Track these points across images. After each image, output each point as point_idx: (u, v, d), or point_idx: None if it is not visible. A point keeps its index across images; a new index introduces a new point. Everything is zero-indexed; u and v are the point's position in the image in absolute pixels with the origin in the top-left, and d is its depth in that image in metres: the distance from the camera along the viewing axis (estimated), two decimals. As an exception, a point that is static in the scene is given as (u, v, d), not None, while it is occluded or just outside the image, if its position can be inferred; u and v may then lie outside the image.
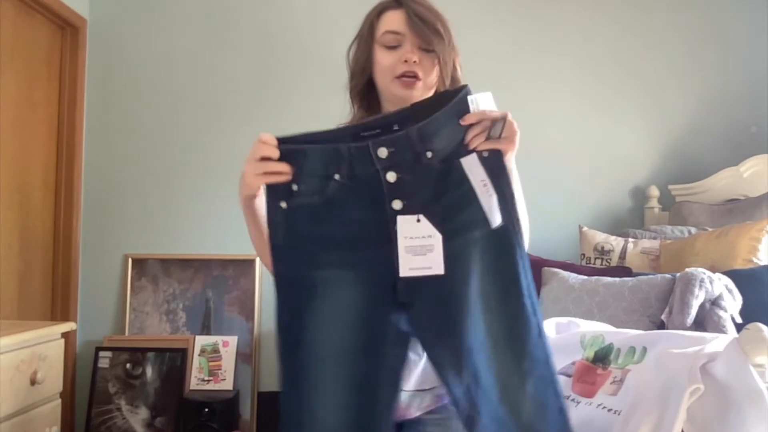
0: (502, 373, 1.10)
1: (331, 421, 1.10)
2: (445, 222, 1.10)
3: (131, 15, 3.21)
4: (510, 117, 1.11)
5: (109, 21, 3.19)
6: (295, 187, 1.10)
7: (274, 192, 1.11)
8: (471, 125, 1.10)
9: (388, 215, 1.10)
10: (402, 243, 1.10)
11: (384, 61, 1.28)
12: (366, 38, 1.31)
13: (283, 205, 1.11)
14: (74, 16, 3.04)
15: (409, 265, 1.10)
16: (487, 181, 1.11)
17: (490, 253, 1.11)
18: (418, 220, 1.11)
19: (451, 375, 1.10)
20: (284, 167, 1.09)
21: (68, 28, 3.06)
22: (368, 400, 1.11)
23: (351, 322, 1.11)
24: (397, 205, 1.10)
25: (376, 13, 1.31)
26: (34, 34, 2.86)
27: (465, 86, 1.13)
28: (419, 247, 1.10)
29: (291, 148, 1.10)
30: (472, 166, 1.11)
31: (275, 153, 1.09)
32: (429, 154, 1.10)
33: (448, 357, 1.10)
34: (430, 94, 1.30)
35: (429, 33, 1.25)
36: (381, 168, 1.10)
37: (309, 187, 1.11)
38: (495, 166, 1.12)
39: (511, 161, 1.14)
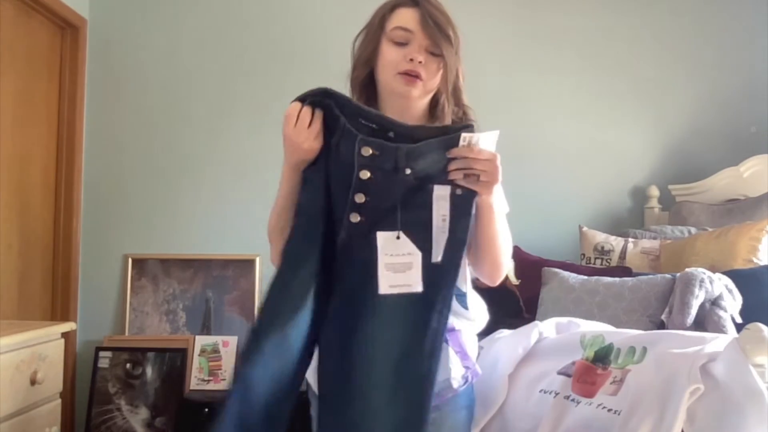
0: (377, 396, 1.14)
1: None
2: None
3: (131, 15, 3.21)
4: (497, 161, 1.13)
5: (109, 21, 3.19)
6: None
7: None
8: (455, 158, 1.13)
9: (348, 201, 1.16)
10: (382, 260, 1.13)
11: (389, 56, 1.28)
12: (375, 30, 1.31)
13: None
14: (74, 16, 3.04)
15: (389, 283, 1.13)
16: (447, 218, 1.13)
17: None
18: (398, 237, 1.14)
19: (329, 366, 1.17)
20: (319, 113, 1.16)
21: (68, 28, 3.06)
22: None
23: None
24: (359, 198, 1.15)
25: (390, 8, 1.31)
26: (34, 34, 2.86)
27: (470, 125, 1.16)
28: (399, 265, 1.13)
29: (312, 100, 1.16)
30: (440, 198, 1.14)
31: (310, 113, 1.16)
32: (408, 171, 1.14)
33: (337, 352, 1.16)
34: (428, 97, 1.31)
35: (440, 36, 1.25)
36: (358, 163, 1.14)
37: (325, 130, 1.17)
38: (462, 208, 1.14)
39: (489, 199, 1.17)
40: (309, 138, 1.15)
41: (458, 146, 1.12)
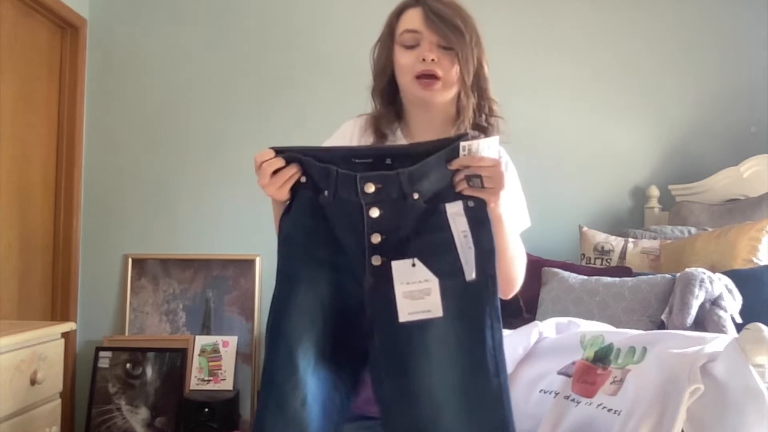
0: (450, 425, 1.08)
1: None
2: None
3: (131, 15, 3.21)
4: (501, 167, 1.08)
5: (109, 21, 3.19)
6: (303, 179, 1.14)
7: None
8: (458, 170, 1.09)
9: (365, 245, 1.11)
10: (399, 289, 1.10)
11: (403, 61, 1.27)
12: (386, 38, 1.31)
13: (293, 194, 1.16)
14: (74, 16, 3.04)
15: (408, 310, 1.10)
16: (468, 233, 1.10)
17: (458, 305, 1.10)
18: (413, 265, 1.11)
19: (393, 413, 1.11)
20: (294, 168, 1.12)
21: (68, 28, 3.06)
22: (321, 408, 1.13)
23: (323, 322, 1.14)
24: (375, 238, 1.11)
25: (396, 13, 1.31)
26: (34, 34, 2.86)
27: (465, 134, 1.12)
28: (417, 292, 1.10)
29: (289, 155, 1.13)
30: (455, 215, 1.10)
31: (281, 162, 1.12)
32: (416, 195, 1.10)
33: (395, 395, 1.11)
34: (452, 92, 1.29)
35: (447, 30, 1.24)
36: (365, 203, 1.10)
37: (307, 188, 1.14)
38: (478, 218, 1.10)
39: (497, 209, 1.12)
40: (271, 186, 1.12)
41: (459, 157, 1.09)
